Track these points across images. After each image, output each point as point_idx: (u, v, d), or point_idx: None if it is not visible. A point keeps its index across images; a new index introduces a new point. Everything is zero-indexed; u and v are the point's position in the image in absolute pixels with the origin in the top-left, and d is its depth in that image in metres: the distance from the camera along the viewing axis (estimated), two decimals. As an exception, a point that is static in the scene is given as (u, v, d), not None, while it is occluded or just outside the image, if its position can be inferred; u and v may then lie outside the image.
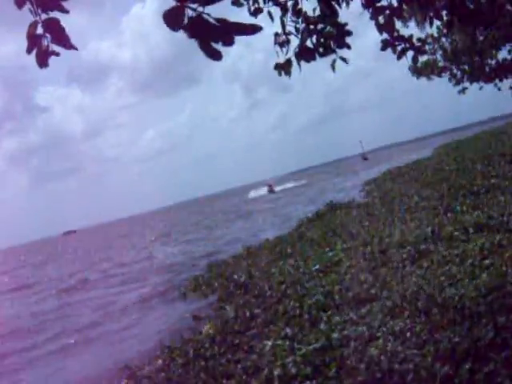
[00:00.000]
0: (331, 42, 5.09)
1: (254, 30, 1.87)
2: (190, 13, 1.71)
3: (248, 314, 8.92)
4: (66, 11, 3.06)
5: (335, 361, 5.70)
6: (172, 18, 1.66)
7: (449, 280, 7.14)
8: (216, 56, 1.81)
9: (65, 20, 3.50)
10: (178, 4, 1.67)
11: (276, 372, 5.90)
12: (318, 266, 10.80)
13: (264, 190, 76.89)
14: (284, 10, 5.17)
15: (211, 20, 1.74)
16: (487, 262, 7.47)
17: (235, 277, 12.63)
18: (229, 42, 1.85)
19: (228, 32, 1.79)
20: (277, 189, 75.61)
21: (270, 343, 7.02)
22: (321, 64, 5.43)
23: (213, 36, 1.77)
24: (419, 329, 5.78)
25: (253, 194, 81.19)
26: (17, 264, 58.50)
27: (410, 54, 4.92)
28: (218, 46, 1.85)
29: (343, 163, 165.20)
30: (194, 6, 1.72)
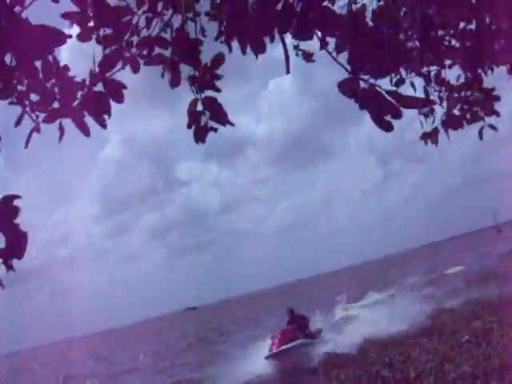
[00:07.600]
0: (478, 109, 4.91)
1: (424, 103, 1.82)
2: (362, 84, 1.68)
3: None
4: (219, 90, 3.29)
5: None
6: (346, 87, 1.65)
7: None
8: (388, 127, 1.75)
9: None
10: (352, 76, 1.64)
11: None
12: None
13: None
14: (427, 79, 5.10)
15: (383, 92, 1.70)
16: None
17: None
18: (398, 115, 1.78)
19: (398, 104, 1.73)
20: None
21: None
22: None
23: (383, 108, 1.72)
24: None
25: None
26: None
27: None
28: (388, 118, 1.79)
29: (476, 236, 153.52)
30: (365, 77, 1.68)
